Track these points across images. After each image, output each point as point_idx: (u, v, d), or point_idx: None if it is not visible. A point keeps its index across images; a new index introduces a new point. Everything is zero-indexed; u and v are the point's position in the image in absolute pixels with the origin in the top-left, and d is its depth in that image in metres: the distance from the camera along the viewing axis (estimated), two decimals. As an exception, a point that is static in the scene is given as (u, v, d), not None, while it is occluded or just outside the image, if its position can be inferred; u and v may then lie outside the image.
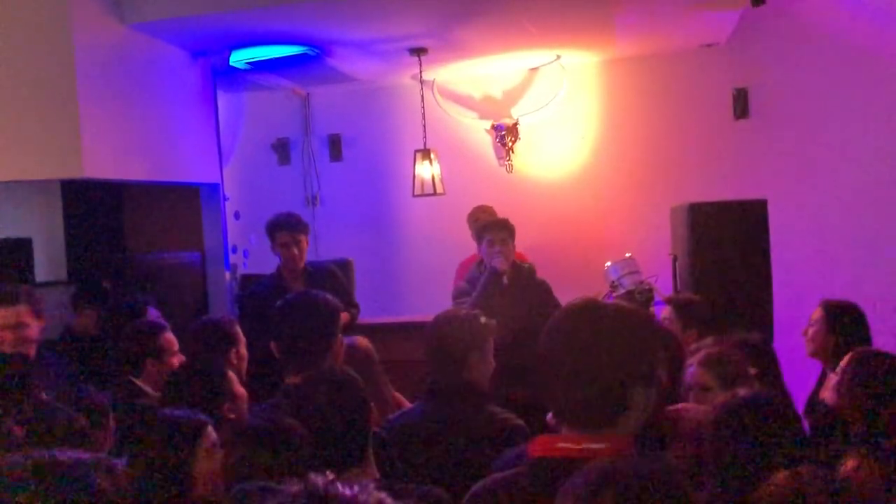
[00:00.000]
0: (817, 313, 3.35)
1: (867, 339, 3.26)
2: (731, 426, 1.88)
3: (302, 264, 4.20)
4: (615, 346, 1.42)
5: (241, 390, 2.56)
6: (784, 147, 5.30)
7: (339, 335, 2.50)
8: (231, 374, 2.56)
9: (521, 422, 2.50)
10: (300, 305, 2.50)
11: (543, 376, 1.48)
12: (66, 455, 1.42)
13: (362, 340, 3.06)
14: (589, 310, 1.48)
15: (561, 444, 1.41)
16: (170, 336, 3.08)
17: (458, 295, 4.30)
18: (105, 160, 3.95)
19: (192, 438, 2.02)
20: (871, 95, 5.13)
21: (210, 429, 2.09)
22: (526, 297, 4.12)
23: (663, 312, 3.59)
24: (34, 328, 3.05)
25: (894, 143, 5.09)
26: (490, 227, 4.36)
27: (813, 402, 3.26)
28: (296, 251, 4.16)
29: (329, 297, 2.53)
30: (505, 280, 4.16)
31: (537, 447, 1.46)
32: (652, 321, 1.66)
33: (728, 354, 2.64)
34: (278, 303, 2.56)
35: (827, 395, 2.57)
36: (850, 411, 2.31)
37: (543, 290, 4.27)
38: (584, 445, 1.38)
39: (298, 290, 3.36)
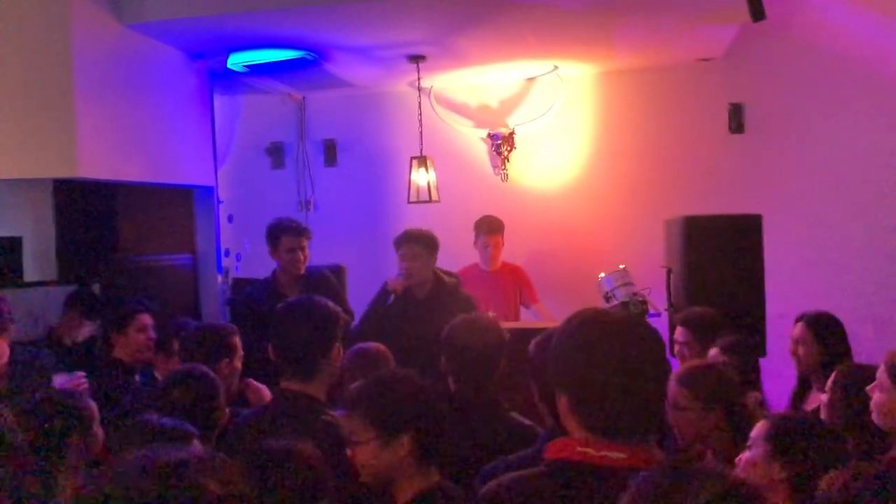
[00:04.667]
0: (801, 330, 3.26)
1: (848, 349, 3.24)
2: None
3: (303, 269, 4.18)
4: (657, 362, 1.50)
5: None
6: (779, 162, 5.32)
7: (339, 342, 2.47)
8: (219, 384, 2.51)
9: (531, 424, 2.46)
10: (301, 309, 2.46)
11: (566, 386, 1.50)
12: None
13: (380, 346, 3.06)
14: (630, 326, 1.53)
15: (581, 449, 1.44)
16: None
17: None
18: (100, 160, 3.92)
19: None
20: (867, 112, 5.16)
21: (196, 441, 2.07)
22: (444, 313, 3.50)
23: (676, 334, 3.54)
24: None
25: (889, 160, 5.13)
26: (402, 239, 4.03)
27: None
28: (301, 256, 4.14)
29: (330, 303, 2.50)
30: (391, 299, 3.95)
31: (555, 449, 1.49)
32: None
33: (710, 371, 2.51)
34: (279, 306, 2.54)
35: (821, 412, 2.55)
36: (844, 429, 2.30)
37: (466, 307, 3.77)
38: (604, 453, 1.42)
39: (299, 295, 3.32)
